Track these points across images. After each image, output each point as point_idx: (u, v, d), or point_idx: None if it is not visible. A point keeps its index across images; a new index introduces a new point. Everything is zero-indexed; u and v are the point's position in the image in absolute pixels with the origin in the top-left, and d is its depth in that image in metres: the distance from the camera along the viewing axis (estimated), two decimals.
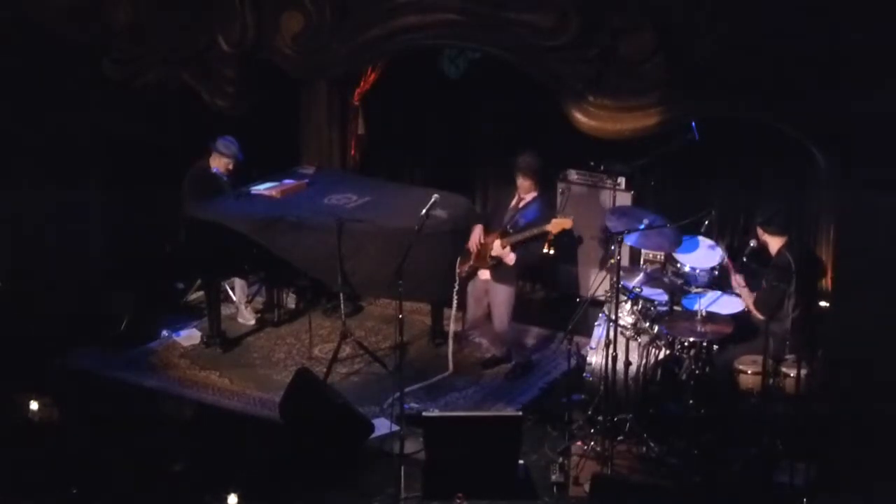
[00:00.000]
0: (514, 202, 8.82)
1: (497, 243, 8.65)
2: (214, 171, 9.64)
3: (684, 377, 8.18)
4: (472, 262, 8.85)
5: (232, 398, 8.96)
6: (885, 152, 6.73)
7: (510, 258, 8.65)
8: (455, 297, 8.95)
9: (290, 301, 10.21)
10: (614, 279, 8.01)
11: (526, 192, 8.71)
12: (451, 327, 9.22)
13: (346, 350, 9.45)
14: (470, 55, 10.45)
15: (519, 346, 9.26)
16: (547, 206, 8.84)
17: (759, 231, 8.23)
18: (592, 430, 8.08)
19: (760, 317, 8.04)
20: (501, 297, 8.85)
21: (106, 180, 9.66)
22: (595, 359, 8.31)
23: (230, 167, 9.66)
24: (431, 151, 11.15)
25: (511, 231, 8.67)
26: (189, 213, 9.43)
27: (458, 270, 8.89)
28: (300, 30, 8.21)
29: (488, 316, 8.99)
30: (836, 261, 7.91)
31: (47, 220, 9.33)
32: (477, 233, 8.83)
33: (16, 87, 9.03)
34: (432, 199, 8.27)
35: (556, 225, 8.45)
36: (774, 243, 8.17)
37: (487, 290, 8.90)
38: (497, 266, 8.75)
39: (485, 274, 8.84)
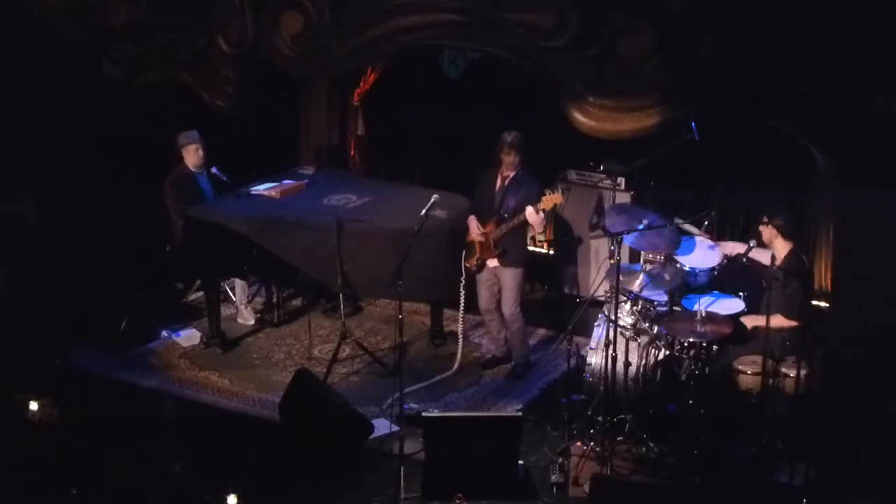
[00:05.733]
0: (497, 185, 8.87)
1: (529, 209, 8.57)
2: (213, 170, 9.64)
3: (684, 377, 8.18)
4: (478, 255, 8.88)
5: (231, 399, 8.96)
6: (885, 152, 6.72)
7: (538, 220, 8.63)
8: (462, 295, 8.98)
9: (290, 301, 10.21)
10: (614, 279, 8.01)
11: (512, 169, 8.76)
12: (460, 326, 9.23)
13: (346, 350, 9.45)
14: (470, 55, 10.45)
15: (520, 344, 9.25)
16: (529, 176, 8.85)
17: (769, 231, 8.15)
18: (592, 431, 8.08)
19: (791, 323, 8.03)
20: (512, 281, 8.89)
21: (106, 180, 9.65)
22: (595, 359, 8.32)
23: (200, 153, 9.60)
24: (431, 151, 11.16)
25: (506, 215, 8.73)
26: (183, 213, 9.43)
27: (466, 265, 8.92)
28: (300, 30, 8.20)
29: (500, 302, 9.02)
30: (835, 261, 7.90)
31: (47, 220, 9.32)
32: (474, 224, 8.86)
33: (16, 86, 9.03)
34: (432, 200, 8.28)
35: (547, 201, 8.56)
36: (782, 248, 8.13)
37: (497, 275, 8.92)
38: (504, 252, 8.77)
39: (493, 262, 8.86)
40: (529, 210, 8.58)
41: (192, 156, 9.61)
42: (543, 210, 8.64)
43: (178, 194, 9.53)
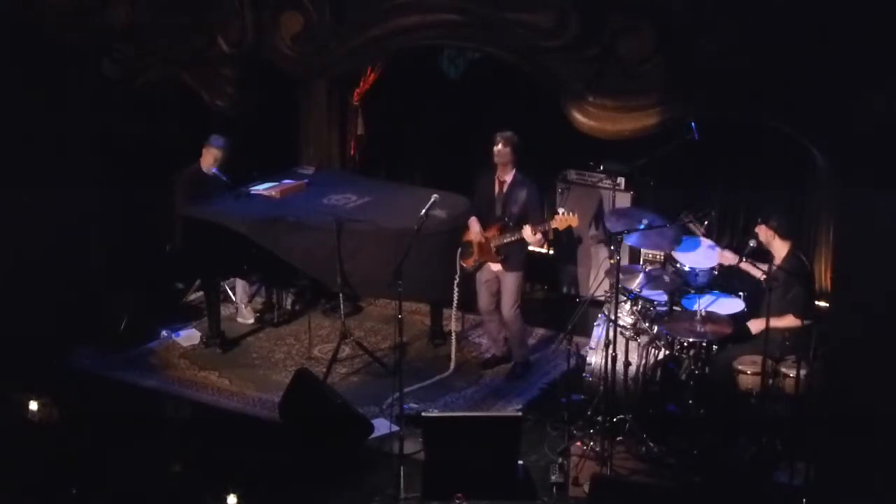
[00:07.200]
0: (496, 190, 8.85)
1: (527, 230, 8.59)
2: (212, 171, 9.66)
3: (684, 377, 8.18)
4: (477, 257, 8.86)
5: (231, 398, 8.97)
6: (885, 152, 6.72)
7: (536, 241, 8.78)
8: (456, 295, 8.97)
9: (290, 301, 10.22)
10: (614, 279, 8.01)
11: (507, 169, 8.73)
12: (454, 326, 9.23)
13: (346, 350, 9.46)
14: (470, 55, 10.46)
15: (519, 345, 9.25)
16: (527, 179, 8.83)
17: (766, 233, 8.16)
18: (592, 430, 8.08)
19: (798, 323, 8.02)
20: (512, 284, 8.89)
21: (106, 180, 9.65)
22: (595, 359, 8.32)
23: (218, 158, 9.69)
24: (431, 151, 11.15)
25: (511, 223, 8.69)
26: (184, 213, 9.44)
27: (462, 264, 8.90)
28: (300, 30, 8.19)
29: (499, 303, 9.01)
30: (835, 261, 7.90)
31: (47, 220, 9.32)
32: (476, 226, 8.84)
33: (16, 87, 9.02)
34: (431, 200, 8.28)
35: (561, 221, 8.52)
36: (781, 248, 8.12)
37: (497, 277, 8.92)
38: (506, 258, 8.77)
39: (495, 266, 8.85)
40: (527, 231, 8.57)
41: (211, 158, 9.71)
42: (553, 228, 8.62)
43: (185, 193, 9.54)
